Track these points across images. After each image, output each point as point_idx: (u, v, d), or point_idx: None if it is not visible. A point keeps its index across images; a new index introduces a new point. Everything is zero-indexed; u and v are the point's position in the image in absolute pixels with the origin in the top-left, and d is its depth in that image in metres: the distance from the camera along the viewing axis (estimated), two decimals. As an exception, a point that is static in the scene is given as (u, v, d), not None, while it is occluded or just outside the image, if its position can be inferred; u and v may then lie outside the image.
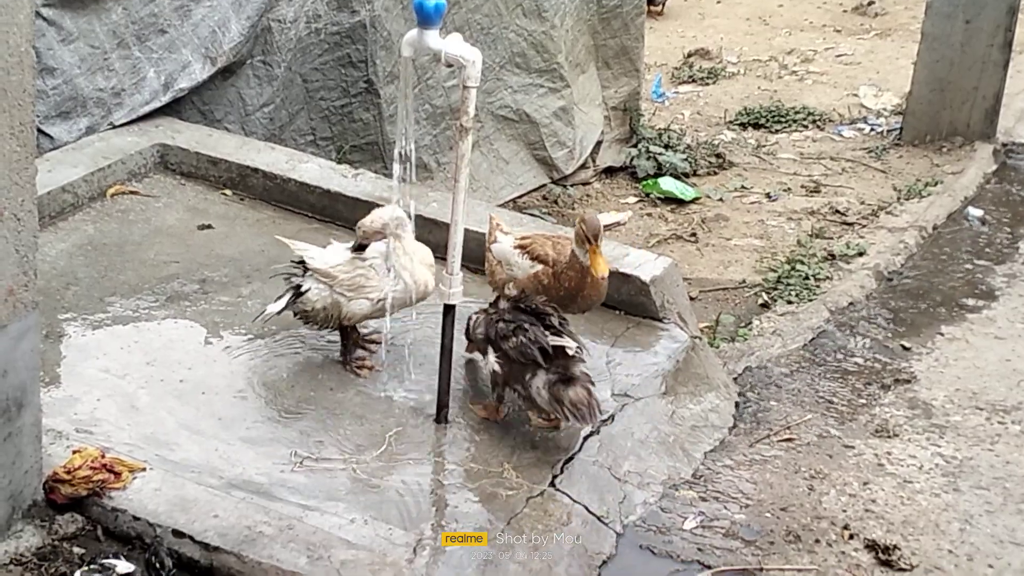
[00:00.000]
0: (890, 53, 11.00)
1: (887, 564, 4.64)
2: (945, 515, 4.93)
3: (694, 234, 7.67)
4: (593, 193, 8.30)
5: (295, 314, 4.96)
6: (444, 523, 4.36)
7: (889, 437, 5.40)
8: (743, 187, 8.36)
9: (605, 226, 7.66)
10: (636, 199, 8.24)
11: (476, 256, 5.59)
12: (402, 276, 4.90)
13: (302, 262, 4.95)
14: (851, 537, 4.76)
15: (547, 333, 4.62)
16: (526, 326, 4.64)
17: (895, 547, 4.69)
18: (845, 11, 12.29)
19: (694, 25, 11.82)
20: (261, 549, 3.94)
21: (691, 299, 6.53)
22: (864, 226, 7.65)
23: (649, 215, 7.99)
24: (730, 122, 9.55)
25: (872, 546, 4.71)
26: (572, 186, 8.24)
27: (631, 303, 5.55)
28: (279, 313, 4.90)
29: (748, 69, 10.73)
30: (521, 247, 5.14)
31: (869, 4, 12.31)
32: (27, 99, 3.73)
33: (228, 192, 6.30)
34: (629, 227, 7.78)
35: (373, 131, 7.02)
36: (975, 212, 7.75)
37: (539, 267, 5.06)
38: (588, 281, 4.95)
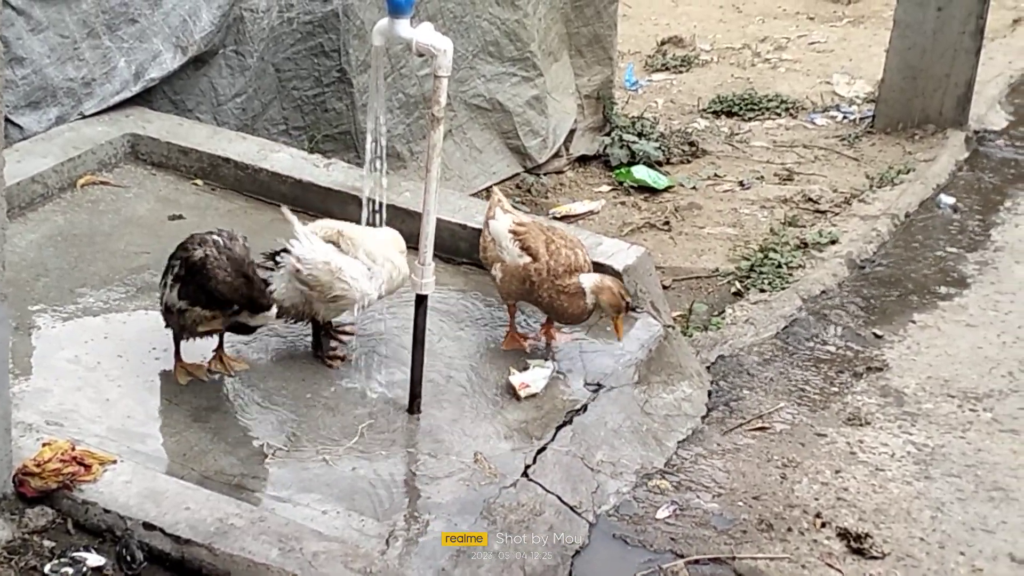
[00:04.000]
0: (863, 41, 11.01)
1: (859, 552, 4.66)
2: (917, 503, 4.95)
3: (667, 223, 7.67)
4: (566, 182, 8.29)
5: None
6: (417, 514, 4.36)
7: (861, 425, 5.42)
8: (716, 175, 8.36)
9: (578, 215, 7.72)
10: (609, 188, 8.23)
11: (449, 246, 5.60)
12: (383, 270, 4.91)
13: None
14: (823, 525, 4.78)
15: None
16: None
17: (867, 535, 4.71)
18: (818, -1, 12.31)
19: (667, 13, 11.81)
20: (233, 541, 3.93)
21: (664, 288, 6.53)
22: (837, 214, 7.66)
23: (622, 204, 7.99)
24: (703, 110, 9.55)
25: (844, 534, 4.73)
26: (545, 175, 8.23)
27: (604, 292, 5.55)
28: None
29: (721, 57, 10.73)
30: (515, 233, 5.16)
31: (842, -9, 12.33)
32: (-6, 90, 3.70)
33: (199, 182, 6.27)
34: (602, 216, 7.78)
35: (346, 120, 7.00)
36: (947, 200, 7.77)
37: (527, 259, 5.09)
38: (577, 315, 5.12)
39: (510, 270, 5.13)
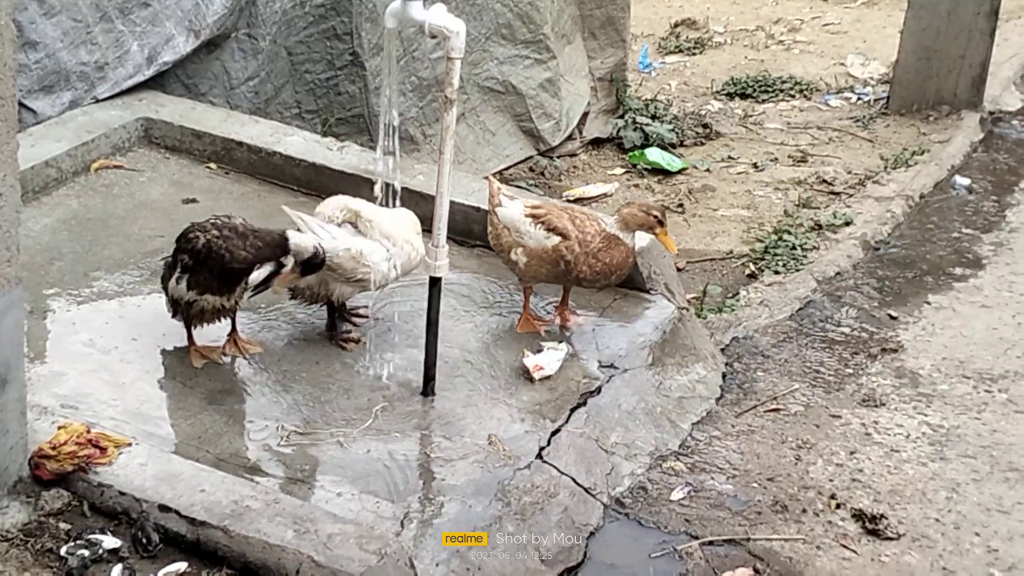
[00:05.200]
0: (877, 22, 10.96)
1: (874, 533, 4.65)
2: (932, 484, 4.94)
3: (681, 205, 7.66)
4: (580, 164, 8.28)
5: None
6: (431, 496, 4.37)
7: (876, 406, 5.41)
8: (730, 157, 8.34)
9: (592, 197, 7.71)
10: (623, 170, 8.22)
11: (462, 228, 5.59)
12: (402, 251, 4.92)
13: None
14: (838, 507, 4.78)
15: None
16: None
17: (882, 516, 4.70)
18: (832, -20, 12.25)
19: (681, -5, 11.77)
20: (248, 523, 3.94)
21: (678, 270, 6.53)
22: (851, 195, 7.64)
23: (636, 186, 7.98)
24: (717, 92, 9.52)
25: (859, 515, 4.72)
26: (559, 158, 8.21)
27: (618, 274, 5.53)
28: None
29: (735, 39, 10.70)
30: (534, 216, 5.14)
31: (856, -27, 12.28)
32: (8, 73, 3.70)
33: (213, 166, 6.27)
34: (616, 198, 7.76)
35: (359, 103, 6.99)
36: (962, 181, 7.74)
37: (556, 239, 5.06)
38: (626, 262, 5.12)
39: (537, 253, 5.10)
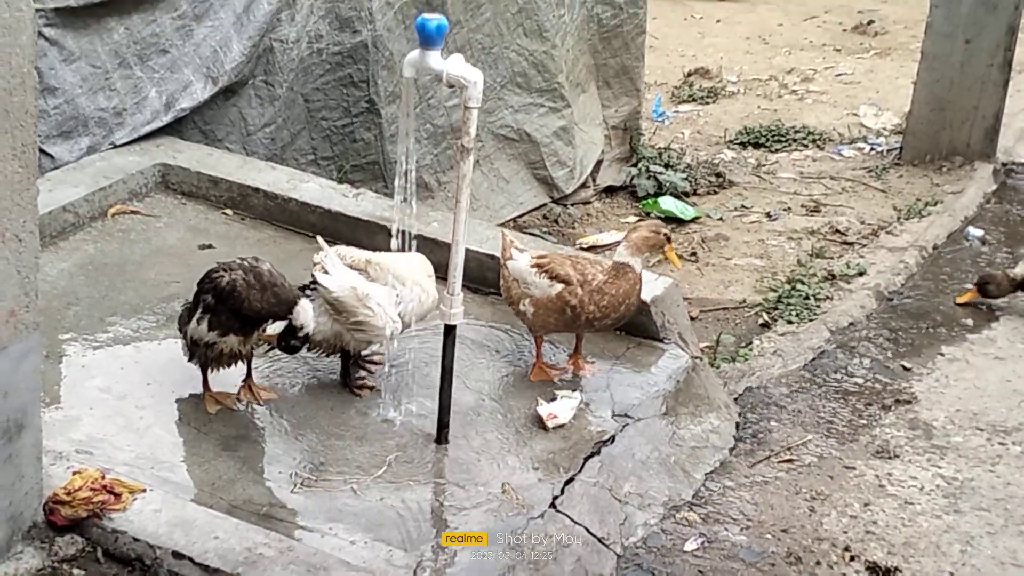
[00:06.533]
0: (890, 72, 11.01)
1: (888, 586, 4.64)
2: (946, 537, 4.92)
3: (694, 253, 7.67)
4: (593, 212, 8.30)
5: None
6: (444, 544, 4.35)
7: (890, 458, 5.40)
8: (743, 206, 8.36)
9: (605, 245, 7.72)
10: (636, 218, 8.23)
11: (476, 276, 5.61)
12: (412, 293, 4.93)
13: (303, 289, 4.95)
14: (852, 559, 4.76)
15: None
16: None
17: (896, 569, 4.69)
18: (845, 30, 12.30)
19: (694, 44, 11.83)
20: (261, 571, 3.93)
21: (692, 319, 6.53)
22: (864, 246, 7.65)
23: (649, 234, 7.98)
24: (730, 141, 9.55)
25: (873, 568, 4.70)
26: (572, 205, 8.24)
27: (632, 323, 5.53)
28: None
29: (748, 88, 10.74)
30: (538, 266, 5.17)
31: (869, 23, 12.33)
32: (29, 120, 3.73)
33: (229, 212, 6.30)
34: (629, 246, 7.77)
35: (374, 151, 7.03)
36: (975, 232, 7.75)
37: (559, 287, 5.08)
38: (637, 290, 5.12)
39: (542, 303, 5.12)
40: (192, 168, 6.37)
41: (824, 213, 8.23)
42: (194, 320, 4.78)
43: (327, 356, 5.06)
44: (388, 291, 4.93)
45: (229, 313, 4.68)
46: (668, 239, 5.19)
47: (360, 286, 4.89)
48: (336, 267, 4.92)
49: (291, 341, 4.83)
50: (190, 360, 4.88)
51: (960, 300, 6.84)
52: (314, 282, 4.90)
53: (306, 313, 4.76)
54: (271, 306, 4.69)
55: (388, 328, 4.89)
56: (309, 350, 5.02)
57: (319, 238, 5.07)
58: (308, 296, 4.87)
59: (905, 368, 6.17)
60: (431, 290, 5.02)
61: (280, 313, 4.74)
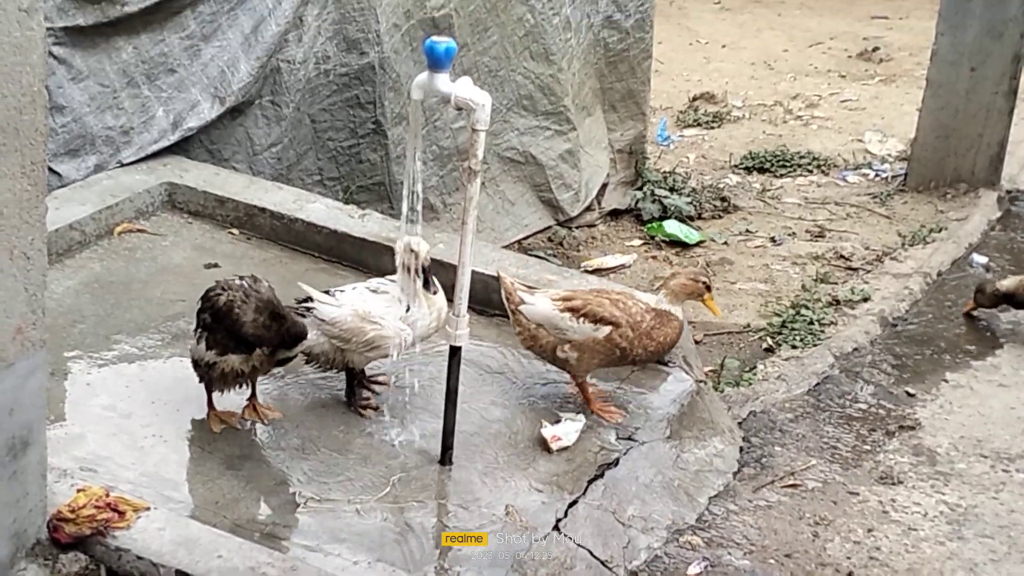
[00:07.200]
0: (895, 99, 11.03)
1: (892, 612, 4.63)
2: (950, 563, 4.92)
3: (699, 277, 7.67)
4: (598, 235, 8.31)
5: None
6: (447, 566, 4.36)
7: (894, 484, 5.40)
8: (748, 231, 8.37)
9: (610, 268, 7.73)
10: (641, 242, 8.25)
11: (482, 298, 5.61)
12: (433, 312, 4.94)
13: (303, 301, 4.96)
14: (855, 584, 4.76)
15: None
16: None
17: (900, 595, 4.68)
18: (850, 56, 12.33)
19: (699, 69, 11.86)
20: (265, 590, 3.93)
21: (696, 343, 6.52)
22: (869, 271, 7.66)
23: (654, 258, 8.00)
24: (735, 166, 9.56)
25: (876, 594, 4.70)
26: (577, 228, 8.25)
27: (636, 347, 5.54)
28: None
29: (753, 113, 10.76)
30: (572, 310, 5.07)
31: (874, 50, 12.36)
32: (39, 138, 3.74)
33: (235, 231, 6.31)
34: (633, 270, 7.79)
35: (380, 172, 7.05)
36: (980, 259, 7.75)
37: (607, 329, 5.04)
38: (677, 337, 5.16)
39: (587, 346, 5.05)
40: (199, 187, 6.38)
41: (828, 238, 8.23)
42: (194, 339, 4.78)
43: (326, 371, 5.05)
44: (389, 299, 4.93)
45: (225, 332, 4.68)
46: (708, 287, 5.18)
47: (359, 305, 4.90)
48: (325, 298, 4.92)
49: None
50: (200, 381, 4.88)
51: (965, 309, 6.98)
52: (307, 301, 4.92)
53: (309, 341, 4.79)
54: (270, 335, 4.68)
55: (400, 337, 4.88)
56: (308, 363, 5.02)
57: (301, 284, 5.08)
58: (309, 309, 4.88)
59: (909, 394, 6.17)
60: (441, 304, 5.00)
61: (279, 345, 4.73)
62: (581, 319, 5.06)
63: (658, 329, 5.07)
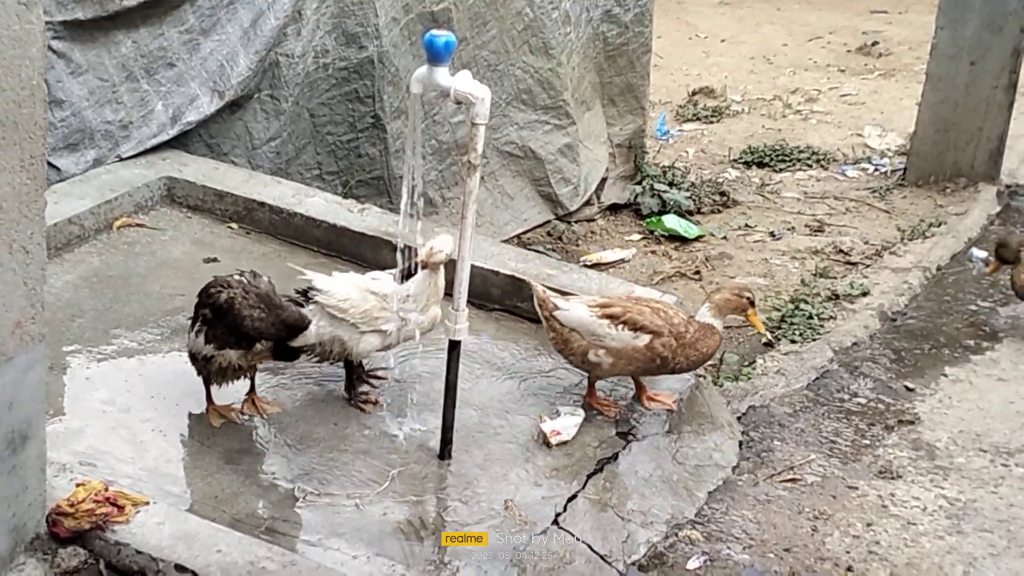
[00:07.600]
0: (894, 93, 11.04)
1: (891, 606, 4.64)
2: (949, 558, 4.92)
3: (698, 272, 7.68)
4: (597, 230, 8.31)
5: None
6: (446, 561, 4.36)
7: (893, 478, 5.40)
8: (747, 225, 8.37)
9: (609, 263, 7.73)
10: (640, 236, 8.25)
11: (481, 292, 5.61)
12: (430, 310, 4.93)
13: (303, 292, 4.95)
14: (855, 579, 4.76)
15: None
16: None
17: (899, 589, 4.69)
18: (849, 51, 12.34)
19: (699, 63, 11.86)
20: (264, 585, 3.93)
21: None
22: (868, 266, 7.66)
23: (653, 253, 8.00)
24: (734, 160, 9.56)
25: (876, 588, 4.71)
26: (576, 222, 8.25)
27: (636, 341, 5.54)
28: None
29: (752, 108, 10.76)
30: (611, 317, 5.05)
31: (873, 44, 12.36)
32: (38, 132, 3.74)
33: (234, 226, 6.31)
34: (633, 264, 7.79)
35: (379, 166, 7.04)
36: (979, 253, 7.74)
37: (647, 337, 5.03)
38: (715, 348, 5.17)
39: (626, 353, 5.03)
40: (198, 182, 6.38)
41: (828, 233, 8.23)
42: (192, 332, 4.78)
43: (321, 362, 5.04)
44: (386, 276, 4.94)
45: (225, 328, 4.68)
46: (752, 303, 5.19)
47: (358, 280, 4.90)
48: (324, 277, 4.92)
49: (287, 348, 4.82)
50: (199, 374, 4.88)
51: (988, 270, 7.02)
52: (307, 291, 4.91)
53: (308, 337, 4.78)
54: (274, 328, 4.68)
55: (403, 314, 4.87)
56: (305, 354, 5.01)
57: (291, 264, 5.05)
58: (309, 298, 4.88)
59: (908, 388, 6.16)
60: (439, 283, 4.98)
61: (283, 337, 4.72)
62: (620, 326, 5.04)
63: (702, 341, 5.07)
